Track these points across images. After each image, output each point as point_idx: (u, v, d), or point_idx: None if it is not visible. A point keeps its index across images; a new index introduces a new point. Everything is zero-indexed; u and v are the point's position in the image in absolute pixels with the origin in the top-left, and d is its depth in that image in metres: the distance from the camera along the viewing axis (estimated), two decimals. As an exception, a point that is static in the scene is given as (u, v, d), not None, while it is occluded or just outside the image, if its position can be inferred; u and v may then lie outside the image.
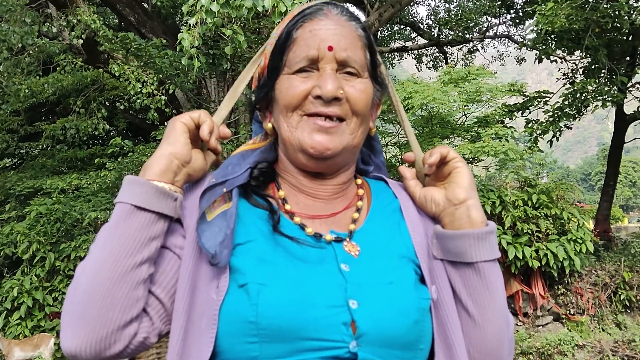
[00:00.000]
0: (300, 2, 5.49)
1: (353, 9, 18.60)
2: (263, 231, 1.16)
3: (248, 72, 1.32)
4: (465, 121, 13.17)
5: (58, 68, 11.60)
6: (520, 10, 17.83)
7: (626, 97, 13.36)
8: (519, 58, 20.54)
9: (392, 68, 23.37)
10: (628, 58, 13.28)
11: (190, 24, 6.03)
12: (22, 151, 16.42)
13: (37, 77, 12.28)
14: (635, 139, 19.30)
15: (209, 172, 1.26)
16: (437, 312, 1.16)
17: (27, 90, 11.04)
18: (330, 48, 1.18)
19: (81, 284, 1.06)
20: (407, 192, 1.32)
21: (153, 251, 1.10)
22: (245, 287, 1.05)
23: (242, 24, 8.16)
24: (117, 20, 15.88)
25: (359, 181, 1.36)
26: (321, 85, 1.17)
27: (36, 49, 10.50)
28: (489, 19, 19.77)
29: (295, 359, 1.02)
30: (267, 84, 1.26)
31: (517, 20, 18.64)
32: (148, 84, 9.20)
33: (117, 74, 9.41)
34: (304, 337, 1.02)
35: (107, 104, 13.90)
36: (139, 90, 9.17)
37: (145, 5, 13.22)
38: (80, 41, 9.62)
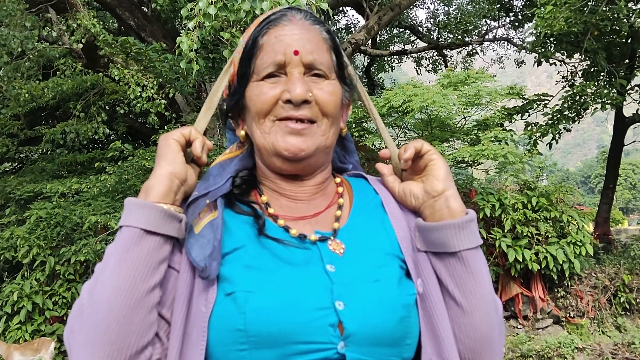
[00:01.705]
0: (298, 7, 5.49)
1: (352, 12, 18.64)
2: (250, 236, 1.18)
3: (221, 81, 1.32)
4: (465, 124, 13.16)
5: (58, 72, 11.64)
6: (519, 14, 17.84)
7: (625, 100, 13.37)
8: (519, 61, 20.57)
9: (392, 71, 23.40)
10: (627, 61, 13.30)
11: (189, 28, 6.04)
12: (22, 155, 16.42)
13: (37, 81, 12.31)
14: (635, 141, 19.31)
15: None
16: (424, 304, 1.17)
17: (27, 95, 11.05)
18: (296, 52, 1.20)
19: (95, 309, 1.04)
20: (386, 188, 1.33)
21: (162, 274, 1.11)
22: (233, 295, 1.07)
23: (240, 28, 8.18)
24: (116, 24, 15.90)
25: (338, 180, 1.38)
26: (290, 89, 1.18)
27: (36, 53, 10.52)
28: (488, 22, 19.79)
29: None
30: (237, 92, 1.28)
31: (516, 23, 18.65)
32: (148, 87, 9.23)
33: (116, 78, 9.43)
34: (293, 341, 1.04)
35: (107, 108, 13.94)
36: (139, 94, 9.20)
37: (145, 9, 13.25)
38: (80, 45, 9.67)
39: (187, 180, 1.18)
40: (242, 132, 1.32)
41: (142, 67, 9.17)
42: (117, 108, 11.94)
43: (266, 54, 1.22)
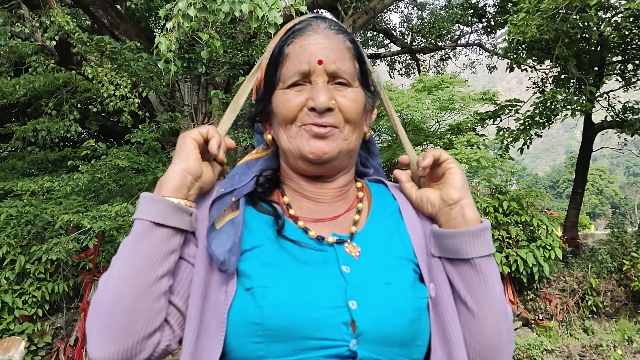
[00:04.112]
0: (277, 9, 5.52)
1: (327, 15, 18.63)
2: (269, 236, 1.22)
3: (247, 84, 1.38)
4: (438, 128, 13.30)
5: (30, 69, 11.50)
6: (492, 20, 18.06)
7: (594, 107, 13.60)
8: (490, 66, 20.78)
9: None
10: (596, 68, 13.53)
11: (167, 28, 6.02)
12: (-9, 152, 16.18)
13: (9, 77, 12.16)
14: (603, 147, 19.65)
15: (217, 182, 1.32)
16: (436, 308, 1.21)
17: (-3, 91, 10.92)
18: (320, 62, 1.24)
19: (106, 297, 1.12)
20: (404, 194, 1.37)
21: (172, 264, 1.17)
22: (251, 290, 1.11)
23: (217, 29, 8.16)
24: (89, 22, 15.73)
25: (359, 184, 1.41)
26: (314, 97, 1.23)
27: (8, 50, 10.41)
28: (461, 27, 19.98)
29: (299, 357, 1.08)
30: (264, 98, 1.32)
31: (489, 29, 18.86)
32: (121, 86, 9.14)
33: (90, 76, 9.34)
34: (307, 336, 1.08)
35: (80, 106, 13.76)
36: (112, 92, 9.11)
37: (119, 7, 13.13)
38: (53, 43, 9.54)
39: (202, 176, 1.24)
40: (269, 137, 1.36)
41: (115, 66, 9.09)
42: (89, 106, 11.81)
43: (291, 63, 1.27)
